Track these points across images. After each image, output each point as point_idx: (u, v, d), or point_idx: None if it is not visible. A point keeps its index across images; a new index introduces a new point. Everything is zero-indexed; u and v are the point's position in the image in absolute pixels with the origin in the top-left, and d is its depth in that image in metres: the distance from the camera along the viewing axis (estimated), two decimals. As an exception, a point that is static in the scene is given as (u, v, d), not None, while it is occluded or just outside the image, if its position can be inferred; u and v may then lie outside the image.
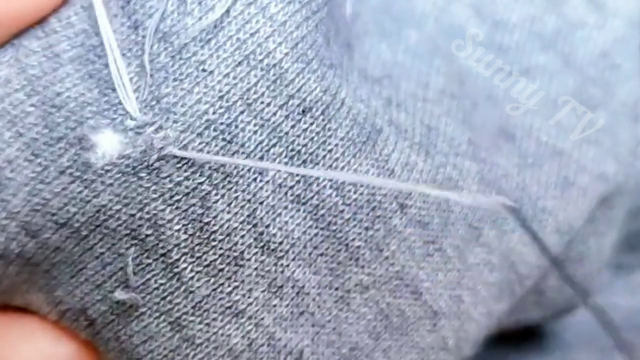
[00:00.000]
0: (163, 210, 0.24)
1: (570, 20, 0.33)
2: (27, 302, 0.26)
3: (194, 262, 0.24)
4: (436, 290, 0.29)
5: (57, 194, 0.23)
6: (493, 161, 0.30)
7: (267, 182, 0.25)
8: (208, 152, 0.24)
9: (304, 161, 0.25)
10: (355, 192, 0.26)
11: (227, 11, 0.24)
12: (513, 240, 0.30)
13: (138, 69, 0.24)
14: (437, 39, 0.31)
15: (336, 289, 0.26)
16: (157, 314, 0.25)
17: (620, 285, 0.43)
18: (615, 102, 0.33)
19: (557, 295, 0.36)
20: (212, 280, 0.25)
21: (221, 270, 0.25)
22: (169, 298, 0.25)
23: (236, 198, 0.24)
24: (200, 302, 0.25)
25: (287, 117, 0.25)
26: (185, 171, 0.24)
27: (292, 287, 0.26)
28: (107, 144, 0.23)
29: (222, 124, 0.24)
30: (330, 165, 0.26)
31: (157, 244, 0.24)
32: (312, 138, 0.25)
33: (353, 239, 0.26)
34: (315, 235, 0.26)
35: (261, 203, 0.25)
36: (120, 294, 0.24)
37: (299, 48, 0.25)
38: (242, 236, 0.25)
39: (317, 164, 0.25)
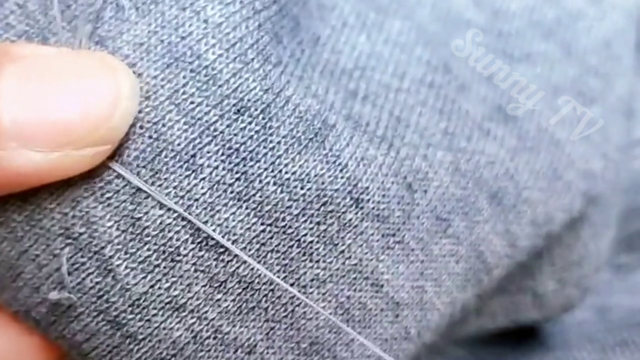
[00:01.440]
0: (95, 207, 0.24)
1: (570, 12, 0.33)
2: None
3: (128, 258, 0.25)
4: (397, 282, 0.29)
5: None
6: (475, 149, 0.30)
7: (203, 179, 0.25)
8: (135, 150, 0.24)
9: (244, 159, 0.25)
10: (302, 188, 0.26)
11: (163, 15, 0.25)
12: (484, 231, 0.30)
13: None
14: (429, 26, 0.31)
15: (291, 284, 0.27)
16: (95, 313, 0.25)
17: (619, 285, 0.42)
18: (612, 96, 0.33)
19: (555, 297, 0.36)
20: (149, 276, 0.25)
21: (157, 266, 0.25)
22: (105, 297, 0.25)
23: (167, 194, 0.25)
24: (138, 299, 0.25)
25: (221, 116, 0.25)
26: (114, 170, 0.24)
27: (238, 282, 0.26)
28: None
29: (148, 122, 0.24)
30: (274, 163, 0.26)
31: (91, 242, 0.24)
32: (252, 136, 0.25)
33: (305, 234, 0.26)
34: (262, 231, 0.26)
35: (197, 200, 0.25)
36: (53, 295, 0.25)
37: (237, 48, 0.25)
38: (177, 232, 0.25)
39: (259, 161, 0.26)
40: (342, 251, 0.27)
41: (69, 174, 0.24)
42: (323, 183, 0.26)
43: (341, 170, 0.27)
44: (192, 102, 0.25)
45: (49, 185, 0.24)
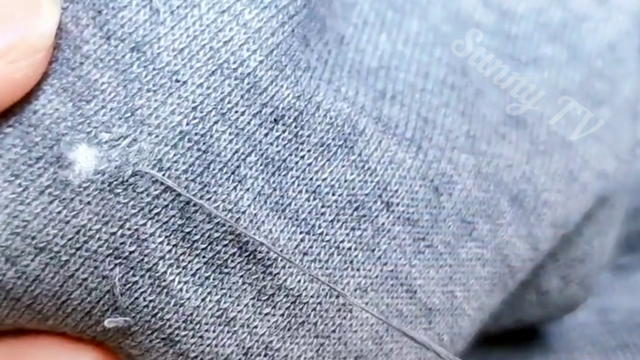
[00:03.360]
0: (144, 224, 0.23)
1: (576, 13, 0.33)
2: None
3: (180, 272, 0.24)
4: (429, 287, 0.28)
5: (37, 215, 0.23)
6: (494, 153, 0.30)
7: (247, 190, 0.25)
8: (183, 164, 0.24)
9: (278, 168, 0.25)
10: (333, 194, 0.26)
11: (200, 19, 0.24)
12: (508, 234, 0.30)
13: (112, 79, 0.23)
14: (442, 27, 0.31)
15: (336, 296, 0.26)
16: (149, 332, 0.24)
17: (620, 286, 0.43)
18: (619, 98, 0.33)
19: (559, 295, 0.36)
20: (200, 289, 0.24)
21: (207, 278, 0.24)
22: (159, 315, 0.24)
23: (216, 208, 0.24)
24: (190, 314, 0.24)
25: (260, 125, 0.25)
26: (162, 184, 0.23)
27: (286, 295, 0.25)
28: (83, 160, 0.23)
29: (196, 134, 0.24)
30: (304, 171, 0.26)
31: (142, 259, 0.24)
32: (285, 145, 0.25)
33: (342, 241, 0.26)
34: (302, 240, 0.26)
35: (243, 212, 0.24)
36: (109, 323, 0.24)
37: (274, 55, 0.25)
38: (225, 245, 0.24)
39: (290, 170, 0.25)
40: (379, 257, 0.27)
41: (14, 86, 0.23)
42: (353, 188, 0.26)
43: (370, 175, 0.27)
44: (236, 112, 0.24)
45: (92, 205, 0.23)
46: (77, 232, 0.23)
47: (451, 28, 0.31)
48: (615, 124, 0.33)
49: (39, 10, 0.23)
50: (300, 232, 0.25)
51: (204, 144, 0.24)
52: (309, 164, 0.26)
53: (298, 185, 0.25)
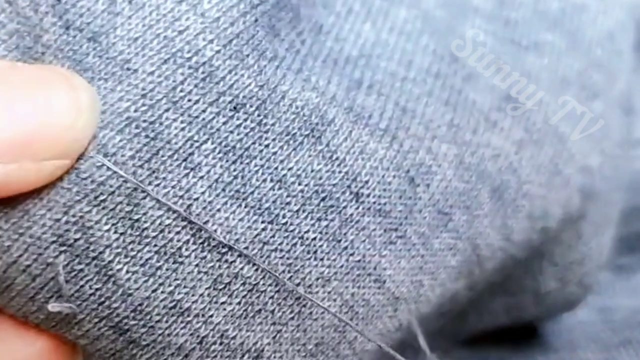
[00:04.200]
0: (89, 211, 0.23)
1: (574, 4, 0.33)
2: None
3: (128, 262, 0.24)
4: (398, 277, 0.28)
5: None
6: (481, 142, 0.29)
7: (201, 177, 0.24)
8: (130, 149, 0.23)
9: (240, 156, 0.25)
10: (300, 184, 0.26)
11: (157, 9, 0.24)
12: (483, 225, 0.30)
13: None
14: (435, 12, 0.30)
15: (297, 284, 0.26)
16: (96, 320, 0.24)
17: (620, 287, 0.42)
18: (614, 91, 0.33)
19: (557, 295, 0.36)
20: (151, 280, 0.24)
21: (159, 268, 0.24)
22: (106, 303, 0.24)
23: (166, 194, 0.24)
24: (140, 304, 0.24)
25: (217, 113, 0.24)
26: (108, 169, 0.23)
27: (243, 284, 0.25)
28: None
29: (144, 121, 0.23)
30: (269, 160, 0.25)
31: (88, 247, 0.23)
32: (247, 134, 0.25)
33: (307, 231, 0.26)
34: (264, 229, 0.25)
35: (196, 200, 0.24)
36: (53, 307, 0.23)
37: (233, 45, 0.25)
38: (178, 232, 0.24)
39: (254, 158, 0.25)
40: (346, 247, 0.26)
41: (27, 187, 0.22)
42: (321, 178, 0.26)
43: (339, 165, 0.26)
44: (189, 100, 0.24)
45: (36, 191, 0.23)
46: (21, 217, 0.23)
47: (447, 13, 0.30)
48: (606, 118, 0.32)
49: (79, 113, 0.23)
50: (262, 222, 0.25)
51: (152, 130, 0.23)
52: (274, 153, 0.25)
53: (262, 174, 0.25)
